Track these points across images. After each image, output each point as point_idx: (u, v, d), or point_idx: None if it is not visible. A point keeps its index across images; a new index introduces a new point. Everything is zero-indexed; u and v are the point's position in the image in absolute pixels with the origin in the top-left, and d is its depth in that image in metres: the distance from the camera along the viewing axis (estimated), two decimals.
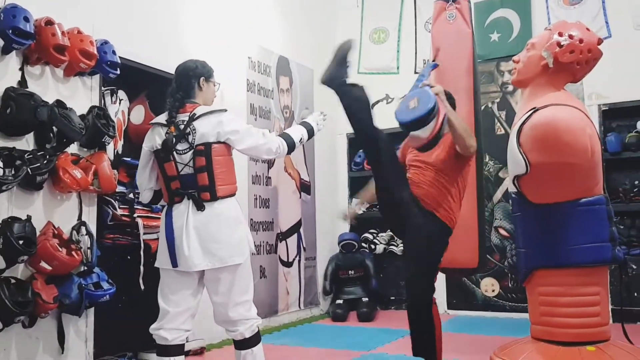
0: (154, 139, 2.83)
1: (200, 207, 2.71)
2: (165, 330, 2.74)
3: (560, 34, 2.76)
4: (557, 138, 2.52)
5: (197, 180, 2.73)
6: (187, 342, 2.91)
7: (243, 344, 2.76)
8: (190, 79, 2.87)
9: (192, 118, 2.75)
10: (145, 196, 2.98)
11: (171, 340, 2.74)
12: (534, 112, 2.63)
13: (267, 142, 2.86)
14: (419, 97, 2.91)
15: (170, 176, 2.78)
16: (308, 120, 3.20)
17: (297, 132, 3.05)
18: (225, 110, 2.85)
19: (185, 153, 2.73)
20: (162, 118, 2.84)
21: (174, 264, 2.72)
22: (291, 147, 2.96)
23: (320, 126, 3.23)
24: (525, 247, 2.74)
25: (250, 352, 2.76)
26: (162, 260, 2.82)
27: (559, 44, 2.73)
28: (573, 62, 2.74)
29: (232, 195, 2.82)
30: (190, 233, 2.70)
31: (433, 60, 3.92)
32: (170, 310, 2.77)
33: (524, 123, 2.63)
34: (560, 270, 2.59)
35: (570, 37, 2.74)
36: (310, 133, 3.14)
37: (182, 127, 2.74)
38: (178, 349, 2.78)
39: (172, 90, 2.87)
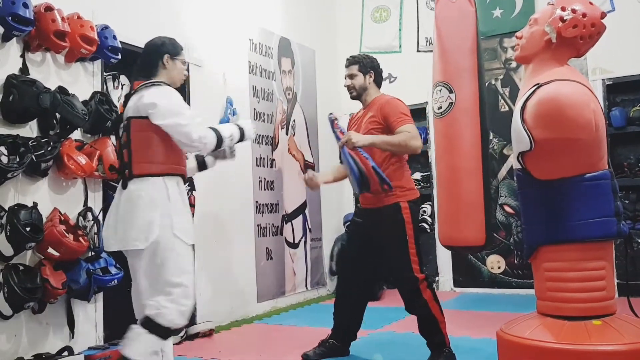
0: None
1: (124, 185, 2.64)
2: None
3: (563, 9, 2.72)
4: (561, 114, 2.50)
5: (123, 157, 2.68)
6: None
7: (145, 325, 2.57)
8: (154, 56, 2.76)
9: (130, 95, 2.70)
10: None
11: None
12: (538, 88, 2.60)
13: (188, 125, 2.62)
14: (348, 168, 3.13)
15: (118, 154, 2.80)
16: (242, 124, 2.95)
17: (228, 130, 2.84)
18: (161, 84, 2.70)
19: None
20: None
21: (101, 244, 2.67)
22: (219, 141, 2.75)
23: (251, 134, 2.97)
24: (530, 223, 2.73)
25: (143, 332, 2.55)
26: None
27: (561, 19, 2.70)
28: (576, 37, 2.71)
29: (155, 175, 2.63)
30: (111, 212, 2.68)
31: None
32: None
33: (527, 99, 2.61)
34: (566, 245, 2.58)
35: (573, 11, 2.70)
36: (242, 136, 2.90)
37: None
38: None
39: (135, 69, 2.80)
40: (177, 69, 2.80)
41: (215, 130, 2.76)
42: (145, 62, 2.78)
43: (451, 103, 3.46)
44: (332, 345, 3.53)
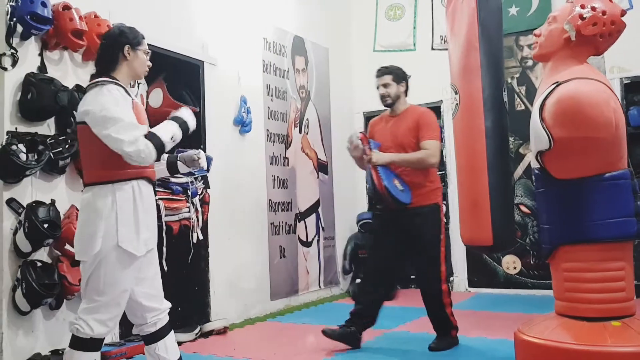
0: None
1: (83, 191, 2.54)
2: None
3: (583, 6, 2.69)
4: (581, 112, 2.48)
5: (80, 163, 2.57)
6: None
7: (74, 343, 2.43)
8: (112, 48, 2.52)
9: (83, 95, 2.52)
10: None
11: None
12: (557, 86, 2.58)
13: (119, 137, 2.32)
14: (399, 181, 3.51)
15: None
16: (180, 115, 2.61)
17: (167, 131, 2.48)
18: (103, 85, 2.43)
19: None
20: None
21: None
22: (159, 149, 2.41)
23: (191, 123, 2.62)
24: (549, 223, 2.71)
25: (69, 351, 2.43)
26: None
27: (581, 17, 2.67)
28: (596, 35, 2.68)
29: (101, 182, 2.43)
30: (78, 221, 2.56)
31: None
32: None
33: (546, 98, 2.59)
34: (585, 245, 2.57)
35: (593, 9, 2.67)
36: (184, 127, 2.56)
37: None
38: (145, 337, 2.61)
39: (95, 62, 2.60)
40: (139, 59, 2.57)
41: (154, 137, 2.41)
42: (104, 55, 2.55)
43: (457, 104, 3.54)
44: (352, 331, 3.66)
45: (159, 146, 2.40)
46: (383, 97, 3.69)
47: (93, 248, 2.38)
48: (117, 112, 2.37)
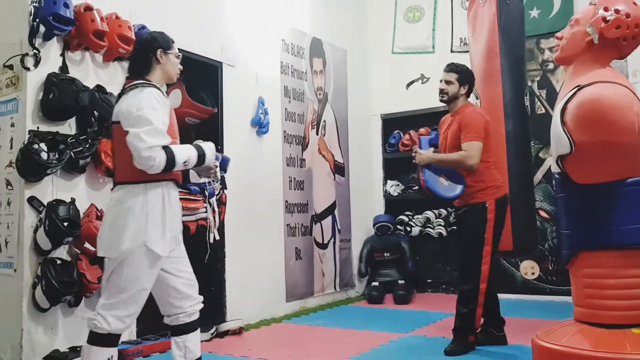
0: None
1: (113, 189, 2.60)
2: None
3: (606, 9, 2.66)
4: (603, 116, 2.45)
5: (112, 162, 2.63)
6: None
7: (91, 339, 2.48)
8: (147, 52, 2.64)
9: (119, 96, 2.59)
10: None
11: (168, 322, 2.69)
12: (579, 89, 2.55)
13: (143, 148, 2.38)
14: (447, 176, 3.55)
15: None
16: (204, 146, 2.68)
17: (185, 154, 2.53)
18: (144, 87, 2.52)
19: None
20: None
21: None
22: (168, 165, 2.45)
23: (211, 161, 2.69)
24: (569, 228, 2.68)
25: (87, 346, 2.49)
26: None
27: (604, 19, 2.64)
28: (619, 38, 2.65)
29: (133, 182, 2.50)
30: (104, 217, 2.62)
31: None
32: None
33: (568, 101, 2.56)
34: (606, 252, 2.53)
35: (617, 11, 2.64)
36: (200, 160, 2.61)
37: None
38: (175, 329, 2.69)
39: (129, 66, 2.72)
40: (171, 62, 2.69)
41: (170, 152, 2.46)
42: (138, 59, 2.68)
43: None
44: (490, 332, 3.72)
45: (170, 163, 2.45)
46: (440, 93, 3.66)
47: (120, 245, 2.44)
48: (151, 114, 2.45)
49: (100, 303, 2.51)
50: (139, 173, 2.47)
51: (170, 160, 2.45)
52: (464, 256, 3.62)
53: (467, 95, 3.67)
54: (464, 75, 3.63)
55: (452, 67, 3.66)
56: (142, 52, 2.67)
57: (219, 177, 2.93)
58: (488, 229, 3.48)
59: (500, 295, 4.94)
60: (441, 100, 3.69)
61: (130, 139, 2.42)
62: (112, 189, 2.64)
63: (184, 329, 2.67)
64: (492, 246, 3.50)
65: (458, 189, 3.50)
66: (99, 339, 2.46)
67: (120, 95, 2.60)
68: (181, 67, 2.77)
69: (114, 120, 2.56)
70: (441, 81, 3.66)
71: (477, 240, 3.49)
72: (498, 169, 3.67)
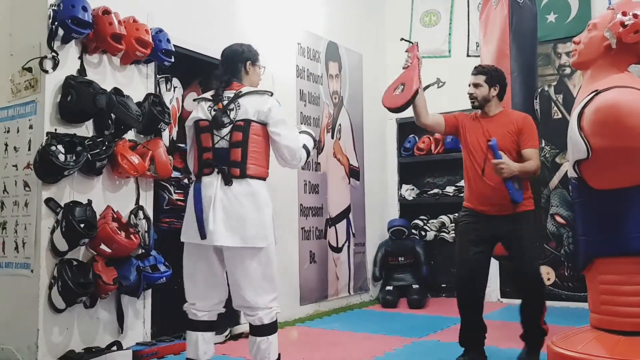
0: (196, 112, 2.79)
1: (228, 181, 2.63)
2: (196, 310, 2.74)
3: (624, 14, 2.64)
4: (621, 121, 2.42)
5: (230, 154, 2.66)
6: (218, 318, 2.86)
7: (260, 331, 2.67)
8: (237, 62, 2.84)
9: (238, 95, 2.72)
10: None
11: (200, 317, 2.73)
12: (596, 94, 2.53)
13: (299, 147, 2.82)
14: (518, 184, 3.28)
15: (204, 147, 2.72)
16: (309, 131, 3.06)
17: (309, 142, 2.98)
18: (272, 94, 2.78)
19: (224, 127, 2.67)
20: (208, 94, 2.81)
21: (202, 235, 2.62)
22: (307, 156, 2.93)
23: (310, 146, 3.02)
24: (586, 234, 2.65)
25: (266, 339, 2.66)
26: (189, 234, 2.70)
27: (622, 24, 2.62)
28: (638, 43, 2.63)
29: (262, 178, 2.74)
30: (217, 206, 2.61)
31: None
32: (200, 301, 2.74)
33: (585, 106, 2.54)
34: (623, 258, 2.50)
35: (635, 16, 2.62)
36: (314, 140, 3.06)
37: (226, 102, 2.71)
38: (208, 325, 2.77)
39: (219, 73, 2.84)
40: (257, 74, 2.91)
41: (304, 146, 2.88)
42: (229, 67, 2.84)
43: None
44: None
45: (308, 154, 2.91)
46: (470, 97, 3.46)
47: (272, 235, 2.69)
48: (293, 124, 2.89)
49: (268, 298, 2.67)
50: (266, 171, 2.77)
51: (308, 152, 2.89)
52: (528, 266, 3.32)
53: (500, 97, 3.45)
54: (492, 76, 3.42)
55: (479, 69, 3.47)
56: (235, 61, 2.85)
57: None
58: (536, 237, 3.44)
59: (516, 301, 4.88)
60: (473, 106, 3.49)
61: (284, 141, 2.72)
62: (231, 180, 2.65)
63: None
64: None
65: (521, 195, 3.31)
66: (275, 329, 2.72)
67: (238, 95, 2.72)
68: (261, 78, 2.98)
69: (254, 118, 2.68)
70: (469, 85, 3.47)
71: (536, 249, 3.40)
72: None
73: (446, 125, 3.51)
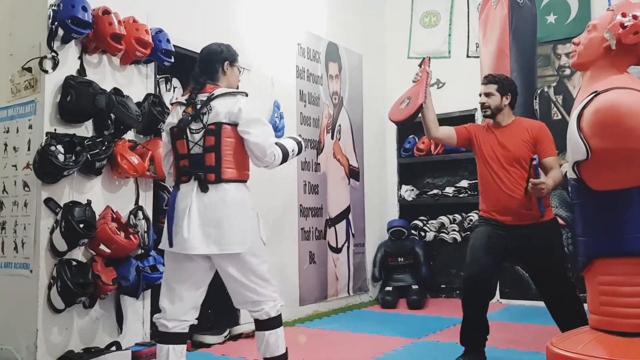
0: (172, 118, 2.76)
1: (204, 188, 2.60)
2: (166, 320, 2.67)
3: (624, 15, 2.64)
4: (620, 122, 2.41)
5: (204, 160, 2.62)
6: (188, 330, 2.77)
7: (267, 324, 2.67)
8: (215, 63, 2.77)
9: (210, 98, 2.65)
10: (170, 179, 2.85)
11: (171, 328, 2.66)
12: (596, 95, 2.52)
13: (270, 145, 2.71)
14: None
15: (180, 154, 2.68)
16: (297, 138, 3.04)
17: (291, 145, 2.90)
18: (246, 94, 2.73)
19: (197, 132, 2.63)
20: (183, 98, 2.77)
21: (170, 244, 2.61)
22: (285, 157, 2.82)
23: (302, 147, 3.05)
24: (585, 235, 2.65)
25: (274, 332, 2.67)
26: (164, 242, 2.70)
27: (622, 25, 2.61)
28: (638, 44, 2.62)
29: (241, 181, 2.70)
30: (192, 215, 2.58)
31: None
32: (171, 305, 2.68)
33: (584, 107, 2.53)
34: (622, 259, 2.49)
35: (635, 17, 2.61)
36: (300, 148, 2.99)
37: (199, 106, 2.65)
38: (178, 337, 2.69)
39: (195, 74, 2.78)
40: (235, 75, 2.84)
41: (281, 146, 2.81)
42: (206, 68, 2.77)
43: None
44: None
45: (285, 155, 2.81)
46: (482, 107, 3.42)
47: (249, 239, 2.64)
48: (265, 122, 2.73)
49: (270, 290, 2.72)
50: (242, 173, 2.71)
51: (285, 153, 2.80)
52: (562, 272, 3.33)
53: (512, 106, 3.42)
54: (503, 85, 3.39)
55: (489, 79, 3.43)
56: (211, 62, 2.77)
57: None
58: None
59: (515, 302, 4.90)
60: (485, 116, 3.45)
61: (255, 139, 2.64)
62: (207, 186, 2.62)
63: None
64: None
65: (544, 205, 3.35)
66: (281, 322, 2.74)
67: (210, 99, 2.65)
68: (240, 79, 2.94)
69: (224, 120, 2.63)
70: (480, 95, 3.43)
71: (564, 256, 3.48)
72: None
73: (458, 138, 3.49)
